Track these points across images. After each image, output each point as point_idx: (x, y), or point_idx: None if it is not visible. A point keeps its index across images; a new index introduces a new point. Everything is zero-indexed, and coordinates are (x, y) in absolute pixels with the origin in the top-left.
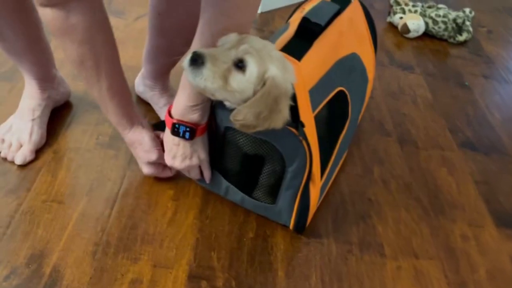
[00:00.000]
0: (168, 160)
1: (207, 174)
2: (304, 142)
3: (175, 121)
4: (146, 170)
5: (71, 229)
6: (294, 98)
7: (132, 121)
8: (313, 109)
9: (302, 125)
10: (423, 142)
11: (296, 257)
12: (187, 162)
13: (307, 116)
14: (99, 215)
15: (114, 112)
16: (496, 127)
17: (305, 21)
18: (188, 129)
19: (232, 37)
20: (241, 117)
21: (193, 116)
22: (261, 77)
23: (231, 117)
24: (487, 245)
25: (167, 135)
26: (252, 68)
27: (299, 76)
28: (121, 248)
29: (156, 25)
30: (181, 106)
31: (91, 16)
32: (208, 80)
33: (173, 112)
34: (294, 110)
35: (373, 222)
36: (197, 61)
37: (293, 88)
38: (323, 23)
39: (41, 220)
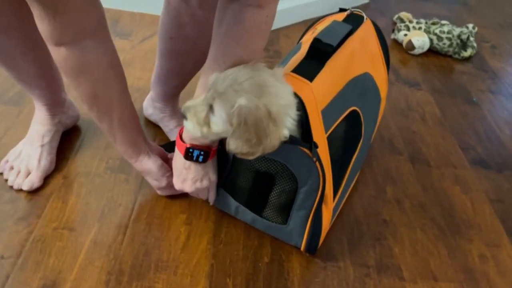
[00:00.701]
0: (177, 184)
1: (212, 196)
2: (317, 163)
3: (188, 145)
4: (160, 192)
5: (83, 257)
6: (306, 118)
7: (138, 151)
8: (326, 129)
9: (316, 146)
10: (435, 160)
11: (313, 282)
12: (197, 185)
13: (320, 136)
14: (111, 242)
15: (121, 142)
16: (506, 143)
17: (316, 42)
18: (202, 152)
19: (211, 79)
20: (233, 147)
21: (205, 141)
22: (230, 114)
23: (227, 148)
24: (505, 265)
25: (177, 160)
26: (218, 111)
27: (311, 97)
28: (134, 276)
29: (168, 49)
30: None
31: (104, 51)
32: (192, 130)
33: (184, 136)
34: (306, 131)
35: (389, 243)
36: (183, 115)
37: (302, 106)
38: (334, 44)
39: (53, 248)
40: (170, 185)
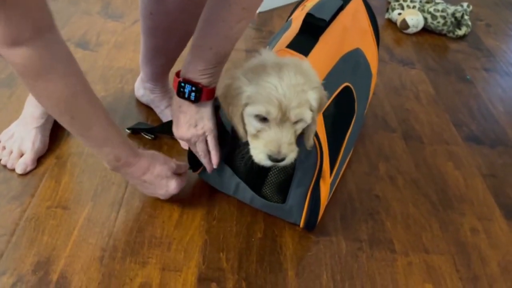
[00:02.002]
0: (174, 131)
1: (214, 155)
2: (315, 139)
3: (181, 79)
4: (174, 185)
5: (77, 234)
6: None
7: (134, 147)
8: None
9: None
10: (428, 137)
11: (306, 256)
12: (192, 131)
13: None
14: (104, 219)
15: (123, 142)
16: (500, 120)
17: (309, 17)
18: (194, 89)
19: (274, 111)
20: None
21: (202, 80)
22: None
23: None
24: (497, 238)
25: (173, 104)
26: (308, 119)
27: None
28: (128, 252)
29: (149, 25)
30: (190, 69)
31: (64, 45)
32: (292, 158)
33: (181, 74)
34: None
35: (381, 218)
36: (278, 160)
37: None
38: (327, 19)
39: (46, 226)
40: (177, 164)
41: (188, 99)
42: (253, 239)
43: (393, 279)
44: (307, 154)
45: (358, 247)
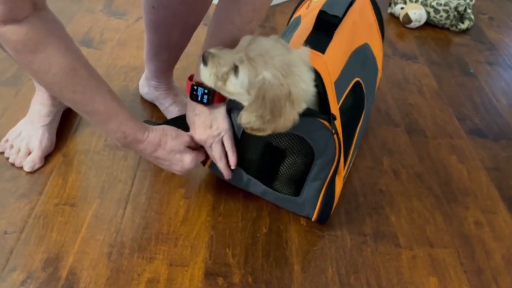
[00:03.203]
0: (192, 134)
1: (231, 155)
2: (335, 135)
3: (193, 83)
4: (189, 159)
5: (85, 231)
6: (324, 91)
7: (142, 122)
8: (338, 100)
9: (334, 118)
10: (432, 131)
11: (311, 251)
12: (208, 132)
13: (335, 108)
14: (112, 216)
15: (129, 118)
16: (503, 113)
17: (322, 14)
18: (206, 91)
19: (245, 40)
20: (245, 121)
21: None
22: (252, 82)
23: (238, 122)
24: (501, 231)
25: (188, 108)
26: (242, 75)
27: (326, 70)
28: (136, 248)
29: (151, 19)
30: None
31: (61, 25)
32: (206, 78)
33: (194, 78)
34: (324, 103)
35: (386, 212)
36: (204, 60)
37: (320, 79)
38: (340, 15)
39: (55, 223)
40: (190, 137)
41: (201, 102)
42: (258, 235)
43: (398, 273)
44: (326, 150)
45: (363, 241)
